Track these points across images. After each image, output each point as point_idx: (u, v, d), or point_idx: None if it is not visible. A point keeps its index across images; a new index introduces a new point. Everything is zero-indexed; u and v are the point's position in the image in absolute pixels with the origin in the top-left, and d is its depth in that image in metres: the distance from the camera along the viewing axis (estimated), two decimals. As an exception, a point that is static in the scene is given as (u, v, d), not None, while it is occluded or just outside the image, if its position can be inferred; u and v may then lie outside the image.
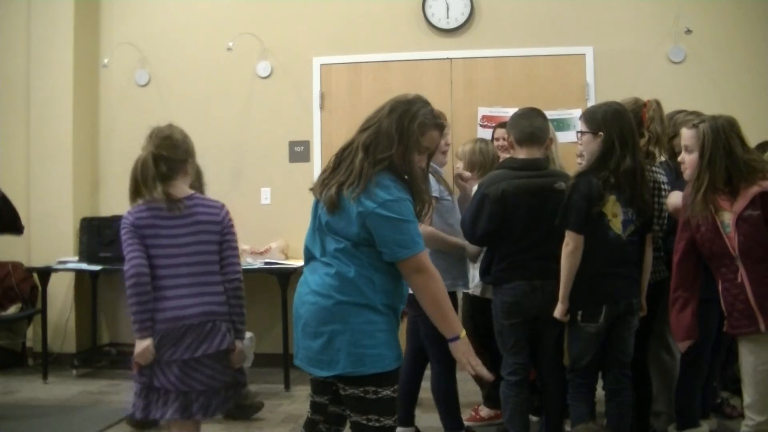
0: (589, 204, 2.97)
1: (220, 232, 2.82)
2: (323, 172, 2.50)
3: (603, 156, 3.02)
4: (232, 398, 2.85)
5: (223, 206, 2.89)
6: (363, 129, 2.44)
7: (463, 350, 2.39)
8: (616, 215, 3.00)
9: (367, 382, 2.33)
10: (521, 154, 3.29)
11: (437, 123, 2.49)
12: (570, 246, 2.99)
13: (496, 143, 4.31)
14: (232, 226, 2.87)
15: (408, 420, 3.78)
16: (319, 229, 2.45)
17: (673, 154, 3.44)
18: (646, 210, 3.07)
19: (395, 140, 2.37)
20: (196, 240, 2.77)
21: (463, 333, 2.40)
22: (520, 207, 3.15)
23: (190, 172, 2.90)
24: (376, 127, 2.41)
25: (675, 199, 3.13)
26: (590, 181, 2.99)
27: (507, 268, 3.22)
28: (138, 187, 2.75)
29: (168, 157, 2.78)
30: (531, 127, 3.27)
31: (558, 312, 3.06)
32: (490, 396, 4.11)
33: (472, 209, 3.30)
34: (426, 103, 2.50)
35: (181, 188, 2.83)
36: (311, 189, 2.51)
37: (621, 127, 3.01)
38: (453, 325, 2.40)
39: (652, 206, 3.14)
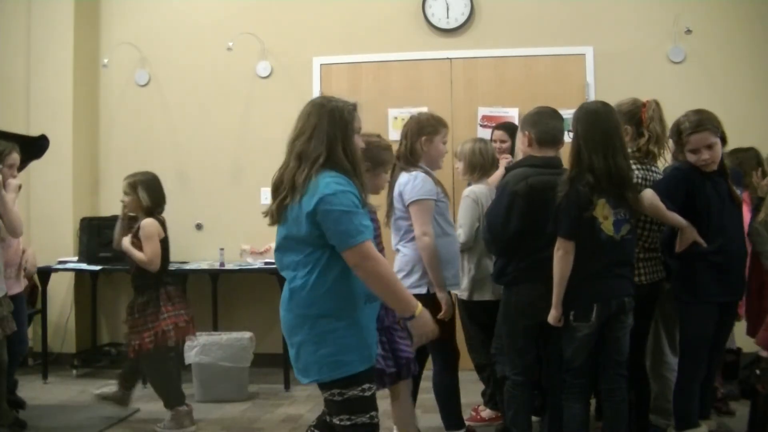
0: (579, 211, 2.99)
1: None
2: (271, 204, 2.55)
3: (574, 155, 3.07)
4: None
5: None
6: (295, 144, 2.53)
7: (422, 323, 2.47)
8: (607, 217, 3.01)
9: (331, 386, 2.45)
10: (538, 153, 3.28)
11: (353, 104, 2.58)
12: (560, 251, 3.01)
13: (493, 145, 4.31)
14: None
15: None
16: (277, 249, 2.54)
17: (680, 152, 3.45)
18: (631, 208, 3.07)
19: (337, 135, 2.47)
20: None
21: (419, 309, 2.45)
22: (545, 204, 3.13)
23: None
24: (312, 133, 2.48)
25: (646, 195, 3.15)
26: (577, 189, 3.01)
27: (527, 267, 3.19)
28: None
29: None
30: (555, 129, 3.28)
31: (551, 317, 3.07)
32: (493, 397, 4.10)
33: (502, 208, 3.23)
34: (331, 97, 2.61)
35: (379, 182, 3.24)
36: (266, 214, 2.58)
37: (587, 127, 3.03)
38: (409, 303, 2.45)
39: (638, 205, 3.13)
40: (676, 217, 3.18)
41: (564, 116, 3.35)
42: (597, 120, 3.06)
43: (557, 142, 3.29)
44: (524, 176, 3.21)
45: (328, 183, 2.38)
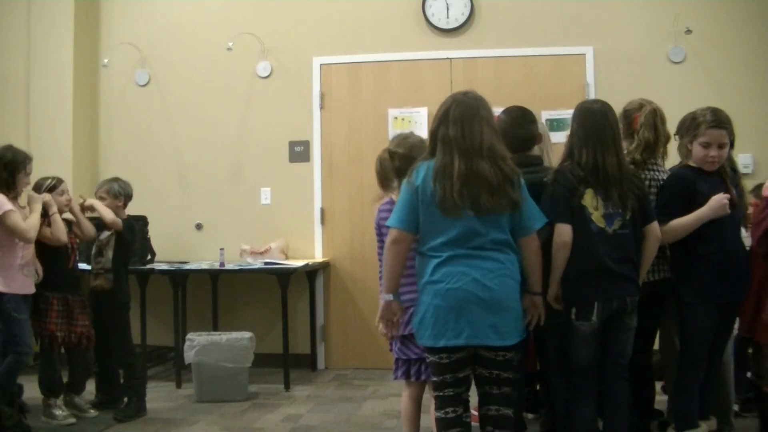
0: (570, 194, 3.00)
1: None
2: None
3: (566, 150, 3.13)
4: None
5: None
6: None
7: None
8: (597, 208, 3.01)
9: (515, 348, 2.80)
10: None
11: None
12: (562, 237, 2.98)
13: None
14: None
15: None
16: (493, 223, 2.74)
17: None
18: (626, 203, 3.02)
19: None
20: None
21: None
22: None
23: None
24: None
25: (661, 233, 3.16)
26: (566, 173, 3.04)
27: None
28: (380, 182, 3.24)
29: (403, 154, 3.15)
30: (529, 133, 3.34)
31: (550, 296, 3.02)
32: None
33: None
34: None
35: None
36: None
37: (579, 123, 3.09)
38: None
39: (635, 201, 3.06)
40: (694, 218, 3.20)
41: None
42: (589, 116, 3.08)
43: (533, 142, 3.38)
44: None
45: None
